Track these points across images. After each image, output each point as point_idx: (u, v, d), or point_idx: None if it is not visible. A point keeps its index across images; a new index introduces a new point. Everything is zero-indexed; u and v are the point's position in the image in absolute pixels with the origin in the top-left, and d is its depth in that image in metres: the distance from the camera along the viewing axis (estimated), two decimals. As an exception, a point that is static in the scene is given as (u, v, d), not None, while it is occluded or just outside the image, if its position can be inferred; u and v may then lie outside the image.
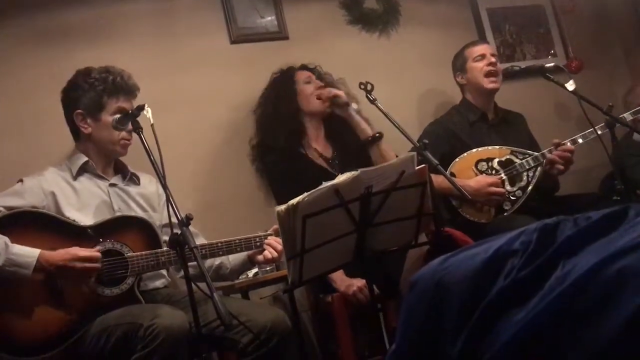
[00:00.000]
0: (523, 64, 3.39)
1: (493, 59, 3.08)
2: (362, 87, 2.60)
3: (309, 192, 1.77)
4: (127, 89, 2.23)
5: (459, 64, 3.16)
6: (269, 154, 2.83)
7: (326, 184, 1.80)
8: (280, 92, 2.85)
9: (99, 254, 1.97)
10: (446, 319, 0.69)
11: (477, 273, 0.68)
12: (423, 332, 0.73)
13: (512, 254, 0.69)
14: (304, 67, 2.94)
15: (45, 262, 1.91)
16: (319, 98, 2.81)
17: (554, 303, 0.61)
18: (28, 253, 1.91)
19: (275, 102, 2.85)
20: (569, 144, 2.87)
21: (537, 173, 2.87)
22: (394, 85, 3.33)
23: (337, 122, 2.87)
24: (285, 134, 2.76)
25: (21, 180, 2.16)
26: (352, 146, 2.85)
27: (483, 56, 3.08)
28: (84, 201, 2.18)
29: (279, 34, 3.25)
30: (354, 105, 2.67)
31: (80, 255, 1.94)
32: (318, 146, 2.84)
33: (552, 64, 2.76)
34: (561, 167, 2.83)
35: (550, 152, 2.85)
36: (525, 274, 0.65)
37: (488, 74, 3.05)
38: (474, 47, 3.13)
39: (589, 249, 0.63)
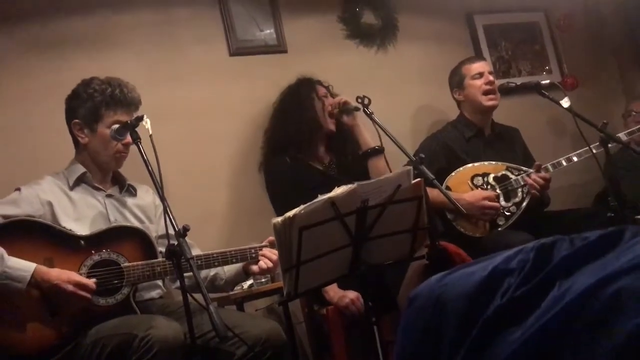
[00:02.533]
0: (519, 80, 3.43)
1: (491, 77, 3.10)
2: (359, 100, 2.62)
3: (305, 205, 1.78)
4: (126, 102, 2.21)
5: (456, 81, 3.18)
6: (277, 156, 2.87)
7: (322, 197, 1.81)
8: (304, 96, 2.92)
9: (93, 285, 1.96)
10: (444, 335, 0.70)
11: (475, 291, 0.69)
12: (421, 348, 0.74)
13: (509, 273, 0.69)
14: (320, 83, 3.00)
15: (40, 278, 1.91)
16: (330, 114, 2.87)
17: (551, 323, 0.62)
18: (24, 267, 1.90)
19: (297, 103, 2.91)
20: (549, 167, 2.90)
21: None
22: (390, 100, 3.36)
23: (338, 137, 2.94)
24: (298, 137, 2.84)
25: (18, 189, 2.16)
26: (350, 157, 2.93)
27: (481, 74, 3.10)
28: (81, 212, 2.18)
29: (278, 47, 3.28)
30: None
31: (75, 280, 1.93)
32: (319, 153, 2.92)
33: (547, 81, 2.78)
34: (535, 192, 2.87)
35: (530, 174, 2.89)
36: (522, 293, 0.66)
37: (486, 92, 3.08)
38: (472, 64, 3.16)
39: (585, 269, 0.64)
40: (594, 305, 0.59)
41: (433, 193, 2.52)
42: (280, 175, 2.82)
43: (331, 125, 2.89)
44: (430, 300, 0.72)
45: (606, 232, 0.69)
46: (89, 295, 1.95)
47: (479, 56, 3.59)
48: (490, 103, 3.09)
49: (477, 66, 3.14)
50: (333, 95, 3.00)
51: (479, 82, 3.09)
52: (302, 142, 2.84)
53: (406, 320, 0.77)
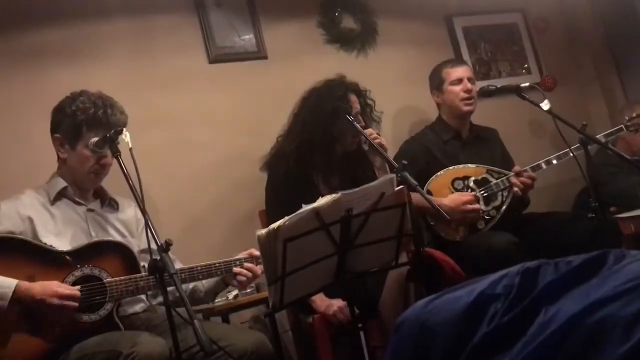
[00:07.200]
0: (499, 83, 3.43)
1: (469, 85, 3.11)
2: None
3: (289, 216, 1.77)
4: (108, 125, 2.14)
5: (436, 83, 3.19)
6: (286, 160, 2.65)
7: (307, 207, 1.81)
8: (333, 113, 2.64)
9: (78, 293, 1.93)
10: (432, 362, 0.70)
11: (461, 317, 0.69)
12: (409, 375, 0.74)
13: (495, 298, 0.69)
14: (356, 90, 2.77)
15: (23, 294, 1.87)
16: (354, 138, 2.67)
17: (537, 350, 0.62)
18: (5, 284, 1.86)
19: (324, 120, 2.64)
20: (529, 170, 2.91)
21: (512, 193, 2.91)
22: (371, 104, 3.35)
23: (351, 154, 2.74)
24: (314, 150, 2.64)
25: (-2, 204, 2.12)
26: (360, 179, 2.60)
27: (460, 80, 3.12)
28: (61, 227, 2.14)
29: (258, 54, 3.26)
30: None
31: (59, 292, 1.89)
32: (327, 172, 2.72)
33: (527, 84, 2.80)
34: (519, 191, 2.87)
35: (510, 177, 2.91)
36: (508, 319, 0.66)
37: (464, 99, 3.10)
38: (452, 68, 3.16)
39: (570, 295, 0.64)
40: (579, 333, 0.59)
41: (414, 197, 2.52)
42: (282, 181, 2.62)
43: (352, 147, 2.67)
44: (416, 326, 0.72)
45: (590, 256, 0.70)
46: (76, 304, 1.92)
47: (459, 60, 3.59)
48: (467, 109, 3.12)
49: (457, 72, 3.14)
50: (366, 107, 2.79)
51: (457, 89, 3.11)
52: (316, 155, 2.64)
53: (393, 347, 0.76)
